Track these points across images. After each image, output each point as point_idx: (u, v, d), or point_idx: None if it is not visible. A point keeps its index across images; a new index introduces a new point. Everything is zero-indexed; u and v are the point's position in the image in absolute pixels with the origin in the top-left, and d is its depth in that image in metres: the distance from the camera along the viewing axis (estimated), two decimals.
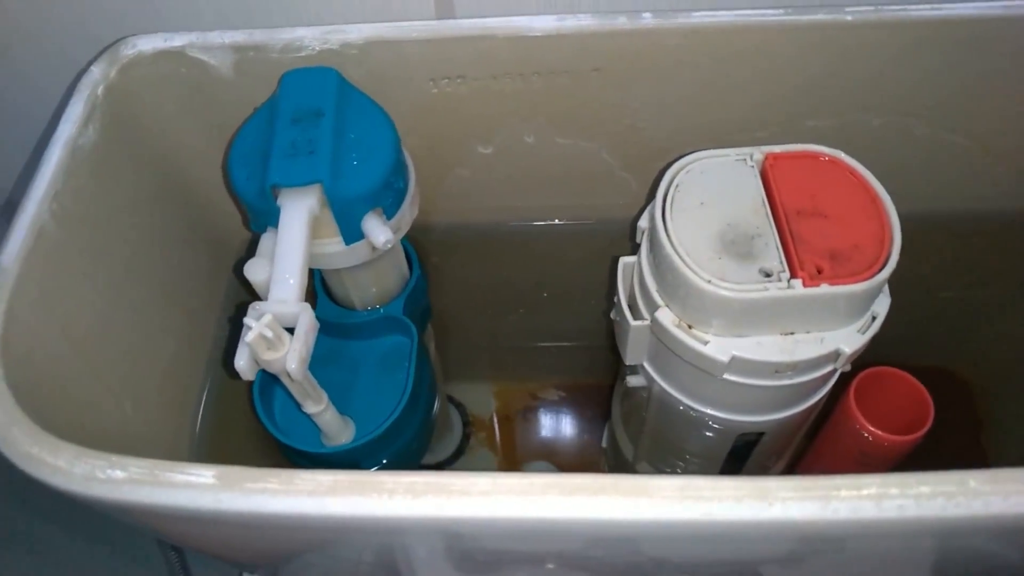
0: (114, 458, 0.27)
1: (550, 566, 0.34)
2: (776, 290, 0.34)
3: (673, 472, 0.51)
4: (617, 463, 0.58)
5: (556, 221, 0.52)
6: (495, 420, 0.72)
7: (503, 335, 0.67)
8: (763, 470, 0.51)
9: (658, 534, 0.26)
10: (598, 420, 0.71)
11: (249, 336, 0.32)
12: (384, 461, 0.45)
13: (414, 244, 0.48)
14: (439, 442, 0.69)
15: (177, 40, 0.40)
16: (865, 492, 0.25)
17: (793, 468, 0.55)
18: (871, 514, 0.25)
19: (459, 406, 0.72)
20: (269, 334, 0.32)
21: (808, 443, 0.53)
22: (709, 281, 0.34)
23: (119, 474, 0.27)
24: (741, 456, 0.47)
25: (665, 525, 0.25)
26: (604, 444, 0.63)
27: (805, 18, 0.39)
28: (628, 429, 0.54)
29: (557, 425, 0.72)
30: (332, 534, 0.29)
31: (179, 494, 0.27)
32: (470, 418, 0.72)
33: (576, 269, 0.56)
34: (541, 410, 0.73)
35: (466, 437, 0.71)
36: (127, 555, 0.57)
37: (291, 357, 0.32)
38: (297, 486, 0.26)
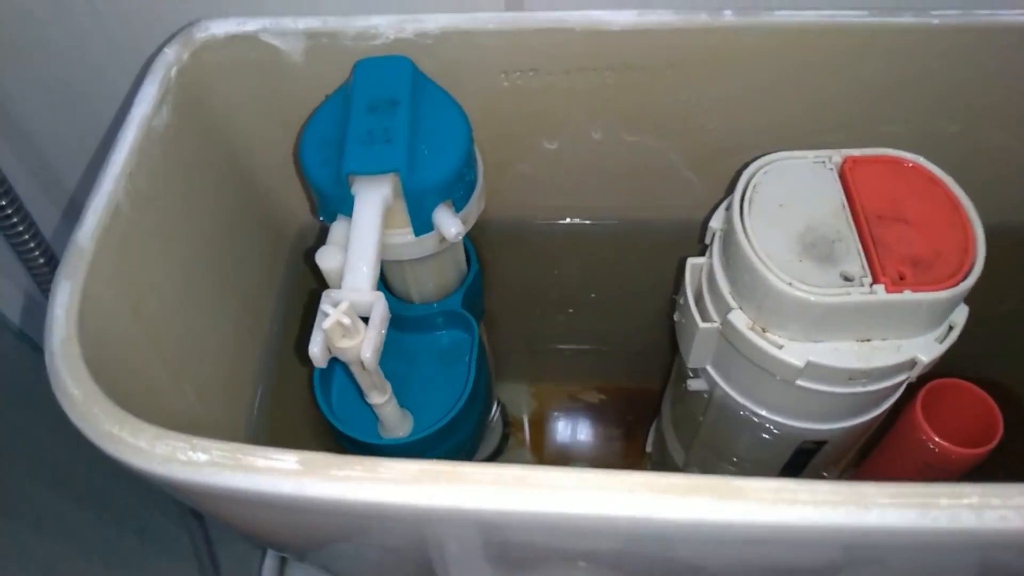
0: (196, 440, 0.27)
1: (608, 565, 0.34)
2: (858, 295, 0.33)
3: None
4: (664, 468, 0.57)
5: (614, 220, 0.51)
6: (535, 420, 0.72)
7: (548, 335, 0.67)
8: (817, 479, 0.50)
9: (751, 537, 0.25)
10: (639, 424, 0.70)
11: (327, 323, 0.31)
12: (442, 455, 0.44)
13: (470, 239, 0.48)
14: (480, 440, 0.68)
15: (250, 25, 0.40)
16: (966, 501, 0.24)
17: (844, 479, 0.54)
18: (971, 524, 0.24)
19: (500, 404, 0.71)
20: (347, 321, 0.31)
21: (861, 455, 0.52)
22: (790, 284, 0.34)
23: (201, 456, 0.26)
24: (800, 463, 0.46)
25: (759, 528, 0.25)
26: (649, 448, 0.63)
27: (890, 20, 0.38)
28: (680, 433, 0.53)
29: (597, 428, 0.71)
30: (409, 524, 0.28)
31: (262, 479, 0.26)
32: (510, 418, 0.71)
33: (629, 270, 0.56)
34: (581, 412, 0.72)
35: (505, 437, 0.70)
36: (154, 538, 0.58)
37: (367, 345, 0.32)
38: (382, 474, 0.26)
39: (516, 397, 0.72)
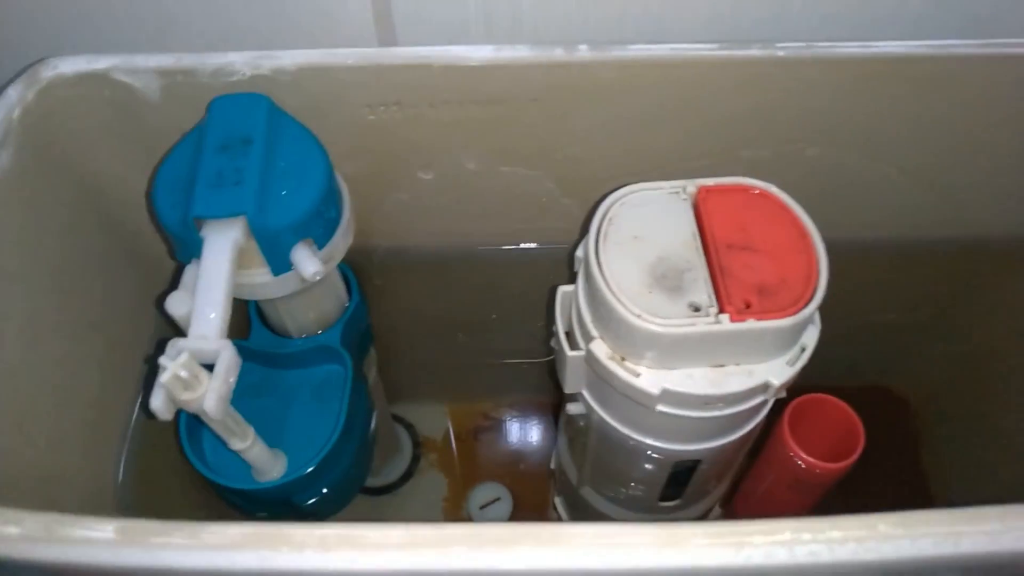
0: (7, 512, 0.26)
1: None
2: (704, 325, 0.34)
3: (616, 496, 0.51)
4: (564, 486, 0.58)
5: (499, 246, 0.52)
6: (447, 440, 0.72)
7: (453, 356, 0.67)
8: (704, 493, 0.51)
9: None
10: (550, 440, 0.71)
11: (164, 376, 0.31)
12: (324, 491, 0.44)
13: (355, 267, 0.47)
14: (387, 464, 0.68)
15: (101, 62, 0.39)
16: (778, 538, 0.25)
17: (736, 488, 0.56)
18: (783, 560, 0.25)
19: (409, 427, 0.71)
20: (184, 374, 0.31)
21: (750, 462, 0.53)
22: (639, 316, 0.34)
23: (12, 530, 0.26)
24: (682, 480, 0.47)
25: (582, 574, 0.25)
26: (552, 466, 0.63)
27: (738, 53, 0.39)
28: (572, 454, 0.54)
29: (508, 445, 0.72)
30: None
31: (78, 551, 0.26)
32: (420, 439, 0.71)
33: (524, 292, 0.56)
34: (493, 430, 0.72)
35: (416, 459, 0.70)
36: None
37: (209, 397, 0.32)
38: (203, 540, 0.26)
39: (427, 417, 0.72)
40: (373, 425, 0.48)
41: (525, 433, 0.72)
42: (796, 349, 0.37)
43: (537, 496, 0.68)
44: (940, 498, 0.65)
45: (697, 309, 0.35)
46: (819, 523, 0.25)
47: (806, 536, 0.25)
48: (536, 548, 0.25)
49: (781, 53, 0.39)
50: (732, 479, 0.53)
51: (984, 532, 0.25)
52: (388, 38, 0.43)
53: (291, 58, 0.39)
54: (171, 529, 0.25)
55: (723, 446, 0.41)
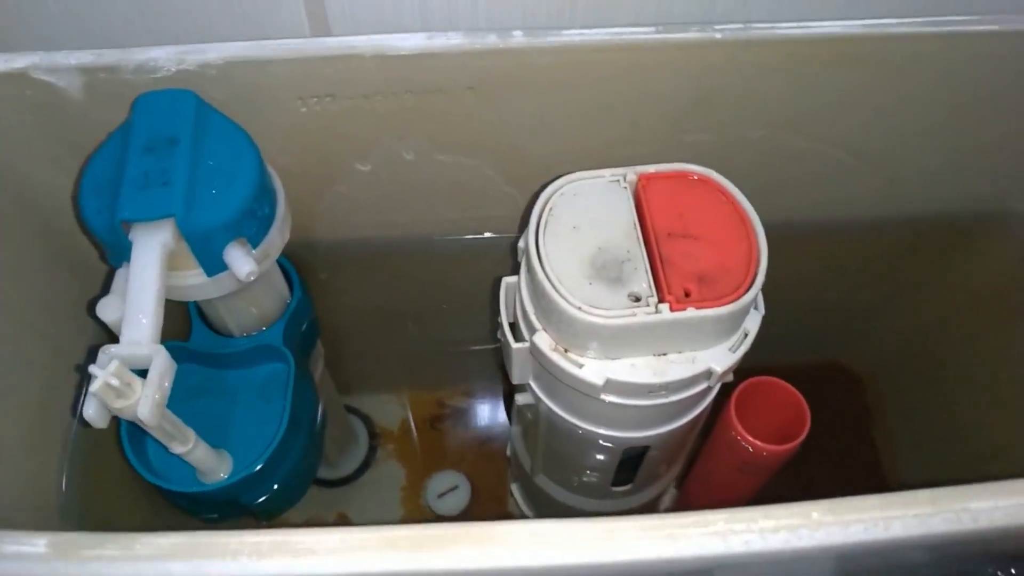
0: None
1: None
2: (644, 315, 0.34)
3: (569, 483, 0.51)
4: (520, 473, 0.58)
5: (446, 236, 0.51)
6: (404, 430, 0.71)
7: (405, 346, 0.66)
8: (656, 477, 0.52)
9: None
10: (507, 426, 0.71)
11: (95, 385, 0.30)
12: (275, 486, 0.43)
13: (297, 261, 0.46)
14: (343, 456, 0.68)
15: (18, 61, 0.38)
16: (712, 529, 0.25)
17: (689, 470, 0.56)
18: (718, 550, 0.25)
19: (364, 418, 0.71)
20: (116, 382, 0.30)
21: (703, 442, 0.54)
22: (579, 308, 0.34)
23: None
24: (632, 466, 0.47)
25: (519, 572, 0.25)
26: (508, 453, 0.63)
27: (675, 36, 0.39)
28: (524, 442, 0.54)
29: (465, 433, 0.71)
30: None
31: (10, 565, 0.25)
32: (376, 429, 0.71)
33: (471, 281, 0.56)
34: (449, 418, 0.72)
35: (372, 449, 0.70)
36: None
37: (142, 404, 0.31)
38: (136, 551, 0.25)
39: (383, 408, 0.72)
40: (319, 420, 0.47)
41: (481, 420, 0.72)
42: (739, 335, 0.37)
43: (495, 483, 0.68)
44: (890, 471, 0.66)
45: (637, 299, 0.34)
46: (751, 513, 0.26)
47: (739, 526, 0.25)
48: (473, 547, 0.25)
49: (719, 35, 0.39)
50: (685, 460, 0.54)
51: (914, 515, 0.25)
52: (321, 28, 0.41)
53: (217, 52, 0.38)
54: (104, 541, 0.25)
55: (671, 432, 0.41)
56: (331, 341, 0.55)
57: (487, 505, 0.67)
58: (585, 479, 0.49)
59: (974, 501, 0.25)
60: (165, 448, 0.38)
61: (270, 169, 0.39)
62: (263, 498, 0.43)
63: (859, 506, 0.25)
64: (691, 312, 0.34)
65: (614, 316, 0.34)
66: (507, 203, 0.48)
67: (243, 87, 0.39)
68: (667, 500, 0.62)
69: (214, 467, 0.40)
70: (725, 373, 0.37)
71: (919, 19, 0.40)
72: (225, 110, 0.38)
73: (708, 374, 0.36)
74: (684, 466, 0.55)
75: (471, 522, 0.25)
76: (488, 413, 0.72)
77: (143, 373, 0.32)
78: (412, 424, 0.72)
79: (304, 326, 0.47)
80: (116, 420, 0.33)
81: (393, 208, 0.48)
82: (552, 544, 0.25)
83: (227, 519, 0.45)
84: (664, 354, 0.36)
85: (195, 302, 0.44)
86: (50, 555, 0.25)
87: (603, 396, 0.37)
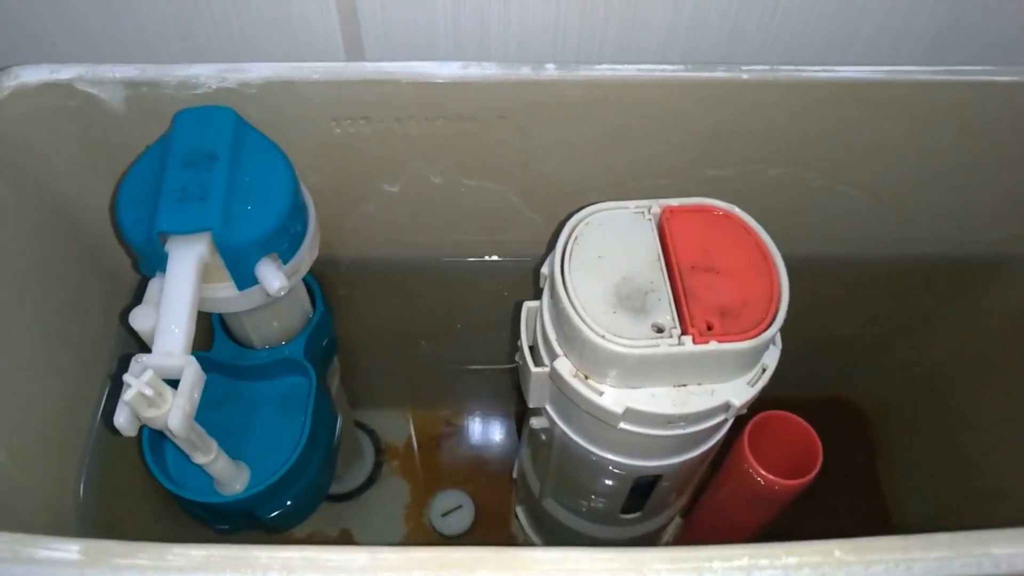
0: None
1: None
2: (667, 346, 0.34)
3: (578, 508, 0.52)
4: (527, 495, 0.58)
5: (464, 258, 0.52)
6: (409, 447, 0.72)
7: (416, 364, 0.67)
8: (665, 506, 0.52)
9: None
10: (513, 447, 0.71)
11: (128, 394, 0.31)
12: (288, 503, 0.44)
13: (319, 278, 0.47)
14: (349, 471, 0.68)
15: (64, 72, 0.38)
16: (736, 563, 0.26)
17: (697, 500, 0.56)
18: None
19: (371, 433, 0.71)
20: (149, 392, 0.31)
21: (711, 474, 0.54)
22: (603, 336, 0.34)
23: None
24: (643, 494, 0.48)
25: None
26: (515, 475, 0.63)
27: (703, 75, 0.40)
28: (535, 465, 0.54)
29: (471, 452, 0.72)
30: None
31: (42, 571, 0.25)
32: (383, 445, 0.71)
33: (488, 303, 0.56)
34: (456, 437, 0.72)
35: (378, 465, 0.70)
36: None
37: (173, 415, 0.31)
38: (168, 562, 0.26)
39: (390, 424, 0.72)
40: (337, 436, 0.48)
41: (488, 441, 0.72)
42: (757, 369, 0.38)
43: (499, 504, 0.68)
44: (894, 506, 0.67)
45: (660, 330, 0.35)
46: (776, 549, 0.26)
47: (763, 562, 0.26)
48: (499, 572, 0.25)
49: (745, 76, 0.39)
50: (693, 490, 0.54)
51: (935, 559, 0.25)
52: (356, 53, 0.42)
53: (257, 71, 0.39)
54: (136, 550, 0.25)
55: (684, 462, 0.42)
56: (345, 355, 0.55)
57: (491, 526, 0.67)
58: (594, 505, 0.50)
59: (996, 546, 0.25)
60: (185, 457, 0.39)
61: (303, 187, 0.40)
62: (277, 512, 0.44)
63: (880, 547, 0.26)
64: (714, 345, 0.34)
65: (637, 346, 0.34)
66: (529, 229, 0.49)
67: (280, 106, 0.40)
68: (671, 530, 0.62)
69: (232, 478, 0.40)
70: (743, 406, 0.37)
71: (939, 67, 0.41)
72: (261, 128, 0.39)
73: (726, 407, 0.37)
74: (690, 497, 0.56)
75: (499, 547, 0.25)
76: (495, 434, 0.73)
77: (172, 383, 0.33)
78: (417, 442, 0.72)
79: (325, 341, 0.47)
80: (141, 426, 0.33)
81: (417, 229, 0.49)
82: (579, 572, 0.25)
83: (239, 530, 0.46)
84: (684, 385, 0.37)
85: (219, 315, 0.45)
86: (83, 562, 0.26)
87: (621, 424, 0.37)
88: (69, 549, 0.26)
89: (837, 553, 0.26)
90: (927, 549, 0.26)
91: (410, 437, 0.72)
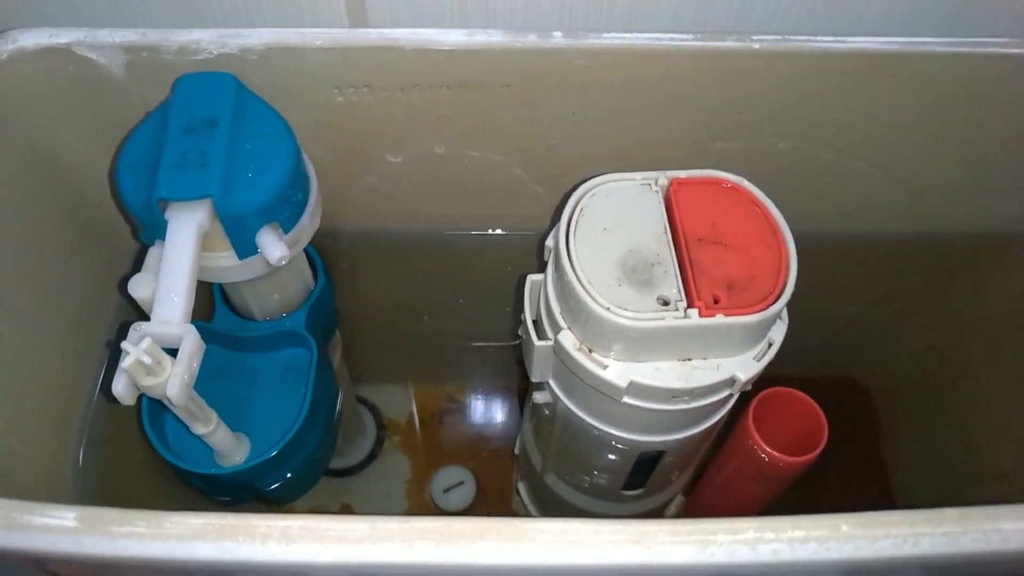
0: None
1: None
2: (672, 319, 0.34)
3: (580, 484, 0.51)
4: (529, 471, 0.58)
5: (467, 231, 0.51)
6: (410, 423, 0.71)
7: (418, 338, 0.66)
8: (667, 483, 0.52)
9: None
10: (515, 424, 0.71)
11: (126, 362, 0.30)
12: (288, 475, 0.44)
13: (321, 250, 0.47)
14: (350, 446, 0.68)
15: (63, 36, 0.38)
16: (741, 536, 0.25)
17: (699, 478, 0.56)
18: (746, 558, 0.25)
19: (373, 408, 0.71)
20: (147, 360, 0.30)
21: (714, 452, 0.54)
22: (608, 308, 0.34)
23: None
24: (646, 470, 0.47)
25: (546, 570, 0.25)
26: (517, 451, 0.63)
27: (713, 44, 0.39)
28: (537, 441, 0.54)
29: (473, 428, 0.71)
30: None
31: (38, 538, 0.25)
32: (384, 421, 0.71)
33: (491, 277, 0.56)
34: (458, 413, 0.72)
35: (379, 441, 0.70)
36: None
37: (172, 383, 0.31)
38: (166, 529, 0.25)
39: (392, 399, 0.72)
40: (338, 409, 0.47)
41: (489, 417, 0.72)
42: (763, 344, 0.37)
43: (501, 480, 0.68)
44: (897, 486, 0.66)
45: (666, 303, 0.35)
46: (782, 522, 0.26)
47: (769, 535, 0.25)
48: (501, 543, 0.25)
49: (756, 46, 0.39)
50: (696, 468, 0.54)
51: (943, 533, 0.25)
52: (359, 19, 0.42)
53: (259, 37, 0.38)
54: (133, 518, 0.25)
55: (688, 437, 0.41)
56: (346, 329, 0.55)
57: (492, 502, 0.67)
58: (596, 481, 0.49)
59: (1005, 522, 0.25)
60: (184, 428, 0.38)
61: (304, 156, 0.39)
62: (277, 484, 0.44)
63: (888, 521, 0.25)
64: (720, 319, 0.34)
65: (642, 319, 0.34)
66: (533, 201, 0.48)
67: (282, 73, 0.39)
68: (673, 507, 0.62)
69: (232, 450, 0.40)
70: (748, 381, 0.37)
71: (955, 39, 0.40)
72: (263, 95, 0.38)
73: (731, 381, 0.37)
74: (694, 473, 0.55)
75: (501, 518, 0.25)
76: (497, 410, 0.72)
77: (171, 352, 0.32)
78: (419, 418, 0.72)
79: (326, 314, 0.47)
80: (140, 395, 0.33)
81: (419, 201, 0.49)
82: (582, 544, 0.25)
83: (239, 502, 0.45)
84: (689, 359, 0.36)
85: (219, 285, 0.44)
86: (79, 529, 0.25)
87: (625, 398, 0.37)
88: (65, 516, 0.25)
89: (844, 527, 0.26)
90: (936, 524, 0.25)
91: (412, 413, 0.72)
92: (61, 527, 0.25)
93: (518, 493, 0.64)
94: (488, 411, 0.72)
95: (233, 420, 0.40)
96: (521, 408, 0.70)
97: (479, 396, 0.72)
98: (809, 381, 0.48)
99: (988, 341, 0.57)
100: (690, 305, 0.34)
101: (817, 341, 0.62)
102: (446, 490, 0.67)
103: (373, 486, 0.68)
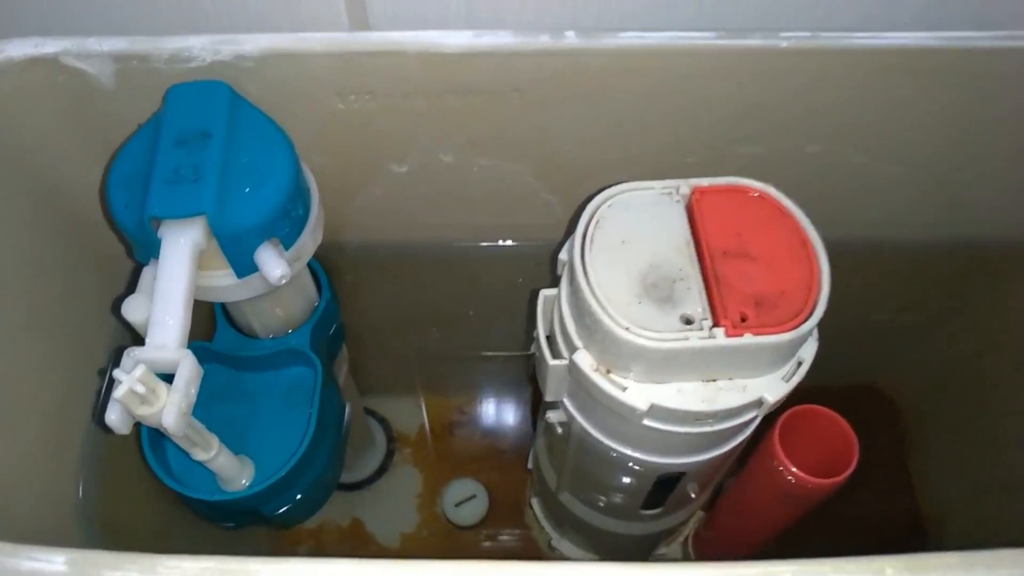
0: None
1: None
2: (697, 339, 0.32)
3: (596, 503, 0.50)
4: (542, 488, 0.56)
5: (475, 242, 0.49)
6: (420, 435, 0.70)
7: (428, 350, 0.65)
8: (687, 502, 0.50)
9: None
10: (527, 436, 0.69)
11: (119, 391, 0.28)
12: (298, 496, 0.42)
13: (325, 264, 0.45)
14: (359, 460, 0.66)
15: (50, 46, 0.36)
16: None
17: (719, 494, 0.54)
18: None
19: (383, 421, 0.69)
20: (141, 389, 0.28)
21: (736, 469, 0.52)
22: (627, 328, 0.32)
23: None
24: (665, 490, 0.45)
25: None
26: (530, 466, 0.61)
27: (737, 43, 0.37)
28: (551, 458, 0.52)
29: (484, 441, 0.70)
30: None
31: None
32: (395, 434, 0.69)
33: (502, 289, 0.54)
34: (469, 425, 0.70)
35: (390, 454, 0.68)
36: None
37: (168, 412, 0.29)
38: (159, 574, 0.23)
39: (403, 412, 0.70)
40: (345, 425, 0.46)
41: (501, 429, 0.70)
42: (792, 363, 0.35)
43: (513, 494, 0.66)
44: (924, 498, 0.64)
45: (690, 322, 0.33)
46: (821, 566, 0.24)
47: None
48: None
49: (784, 44, 0.37)
50: (716, 487, 0.52)
51: None
52: (360, 21, 0.40)
53: (254, 43, 0.36)
54: (124, 561, 0.23)
55: (710, 459, 0.39)
56: (353, 342, 0.53)
57: (505, 517, 0.65)
58: (613, 500, 0.48)
59: None
60: (186, 454, 0.37)
61: (305, 168, 0.37)
62: (283, 509, 0.42)
63: (938, 564, 0.23)
64: (748, 339, 0.32)
65: (665, 339, 0.32)
66: (545, 211, 0.46)
67: (280, 81, 0.37)
68: (692, 524, 0.60)
69: (236, 474, 0.38)
70: (776, 403, 0.35)
71: (996, 32, 0.38)
72: (259, 104, 0.36)
73: (759, 403, 0.35)
74: (712, 496, 0.53)
75: (526, 561, 0.23)
76: (509, 422, 0.70)
77: (167, 377, 0.31)
78: (430, 430, 0.70)
79: (331, 330, 0.45)
80: (136, 423, 0.32)
81: (426, 211, 0.47)
82: None
83: (245, 527, 0.44)
84: (714, 380, 0.34)
85: (221, 303, 0.43)
86: (68, 574, 0.24)
87: (645, 421, 0.35)
88: (54, 560, 0.24)
89: (889, 572, 0.23)
90: (992, 567, 0.23)
91: (422, 425, 0.70)
92: (50, 571, 0.24)
93: (531, 508, 0.62)
94: (500, 423, 0.70)
95: (236, 443, 0.38)
96: (533, 420, 0.69)
97: (491, 408, 0.70)
98: (833, 391, 0.46)
99: (1018, 349, 0.55)
100: (716, 324, 0.32)
101: (842, 350, 0.60)
102: (458, 504, 0.66)
103: (384, 500, 0.67)
